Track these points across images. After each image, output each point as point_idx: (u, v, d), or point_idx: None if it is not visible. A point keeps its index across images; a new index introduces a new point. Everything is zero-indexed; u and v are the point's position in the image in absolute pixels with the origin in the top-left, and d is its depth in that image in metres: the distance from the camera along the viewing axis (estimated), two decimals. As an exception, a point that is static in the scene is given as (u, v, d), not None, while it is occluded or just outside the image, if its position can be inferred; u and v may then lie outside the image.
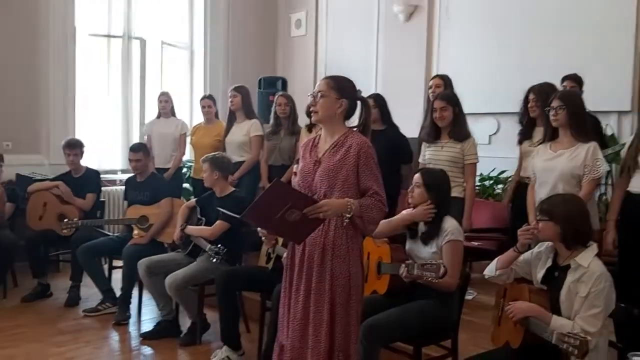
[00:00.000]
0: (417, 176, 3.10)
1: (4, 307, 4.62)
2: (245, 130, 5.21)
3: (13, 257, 4.86)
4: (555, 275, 2.57)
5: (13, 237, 4.80)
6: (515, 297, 2.65)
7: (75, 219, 4.74)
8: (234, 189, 4.22)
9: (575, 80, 4.45)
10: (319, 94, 2.53)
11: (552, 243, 2.63)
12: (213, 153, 4.24)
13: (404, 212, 3.16)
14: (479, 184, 5.41)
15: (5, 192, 4.76)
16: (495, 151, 5.43)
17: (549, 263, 2.63)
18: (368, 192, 2.49)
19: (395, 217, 3.18)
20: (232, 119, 5.31)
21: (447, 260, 2.86)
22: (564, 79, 4.47)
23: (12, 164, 5.43)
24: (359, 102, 2.62)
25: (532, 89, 4.01)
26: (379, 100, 4.50)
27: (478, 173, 4.27)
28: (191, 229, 4.09)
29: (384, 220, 3.00)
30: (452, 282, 2.91)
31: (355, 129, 2.60)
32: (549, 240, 2.60)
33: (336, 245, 2.50)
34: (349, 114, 2.59)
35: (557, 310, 2.50)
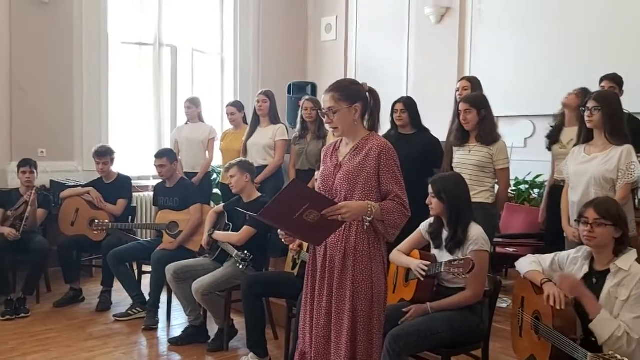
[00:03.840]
0: (430, 185, 2.99)
1: (36, 312, 4.68)
2: (272, 133, 5.17)
3: (46, 263, 4.93)
4: (594, 281, 2.48)
5: (46, 242, 4.86)
6: (534, 307, 2.56)
7: (106, 222, 4.79)
8: (260, 194, 4.18)
9: (614, 80, 4.28)
10: (331, 111, 2.46)
11: (589, 248, 2.52)
12: (237, 159, 4.21)
13: (409, 260, 3.01)
14: (514, 188, 5.27)
15: (38, 198, 4.84)
16: (532, 154, 5.28)
17: (585, 270, 2.53)
18: (389, 196, 2.41)
19: (405, 258, 3.04)
20: (256, 123, 5.26)
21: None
22: (602, 79, 4.32)
23: (47, 170, 5.54)
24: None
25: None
26: (408, 104, 4.41)
27: (513, 177, 4.13)
28: (219, 235, 4.07)
29: (395, 252, 2.97)
30: (475, 294, 2.84)
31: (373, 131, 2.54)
32: (602, 245, 2.46)
33: (358, 251, 2.43)
34: (365, 113, 2.53)
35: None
